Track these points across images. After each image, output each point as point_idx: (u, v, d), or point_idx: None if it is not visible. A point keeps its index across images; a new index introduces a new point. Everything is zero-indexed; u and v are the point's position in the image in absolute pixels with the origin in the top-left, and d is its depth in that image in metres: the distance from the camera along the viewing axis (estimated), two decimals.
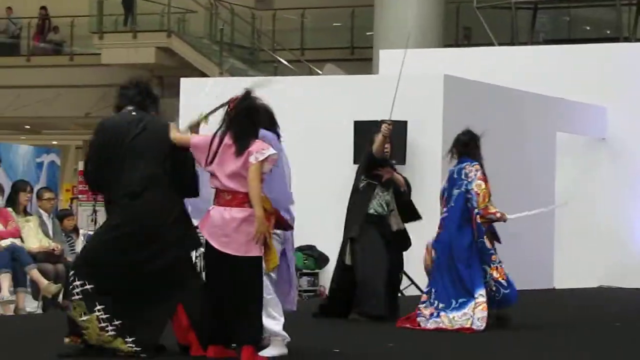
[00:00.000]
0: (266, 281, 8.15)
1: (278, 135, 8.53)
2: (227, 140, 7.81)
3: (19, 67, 30.94)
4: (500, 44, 22.16)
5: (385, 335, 10.13)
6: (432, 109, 15.08)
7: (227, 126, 7.88)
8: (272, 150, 7.81)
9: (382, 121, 11.38)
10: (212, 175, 7.85)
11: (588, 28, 25.08)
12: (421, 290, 14.19)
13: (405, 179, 11.45)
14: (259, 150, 7.74)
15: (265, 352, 7.99)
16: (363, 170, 11.24)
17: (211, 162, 7.82)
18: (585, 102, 17.65)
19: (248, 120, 7.88)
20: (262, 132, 8.08)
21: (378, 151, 11.06)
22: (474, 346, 9.77)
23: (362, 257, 11.09)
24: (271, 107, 8.46)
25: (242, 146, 7.76)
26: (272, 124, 8.46)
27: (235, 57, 27.64)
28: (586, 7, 24.01)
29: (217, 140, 7.84)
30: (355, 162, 14.07)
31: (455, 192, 10.86)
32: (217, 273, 7.88)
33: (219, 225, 7.79)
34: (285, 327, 8.26)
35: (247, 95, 7.97)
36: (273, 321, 8.17)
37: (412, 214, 11.53)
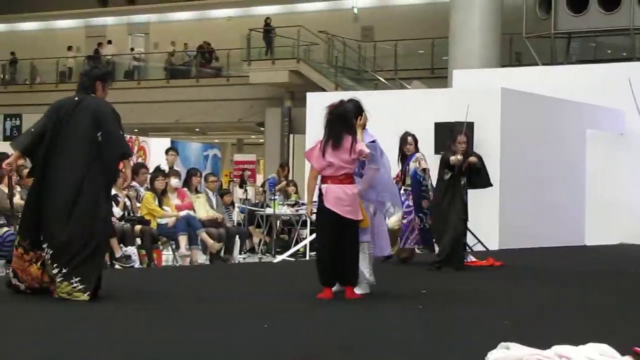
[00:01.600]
0: (369, 241, 8.19)
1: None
2: (330, 138, 7.80)
3: (190, 86, 31.28)
4: (543, 64, 21.82)
5: (466, 279, 10.07)
6: (492, 113, 14.90)
7: (327, 127, 7.85)
8: (367, 150, 7.84)
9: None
10: (327, 164, 7.80)
11: (609, 51, 24.55)
12: (485, 247, 14.09)
13: (478, 155, 11.17)
14: (362, 149, 7.79)
15: (356, 290, 8.00)
16: (444, 166, 11.05)
17: (324, 156, 7.82)
18: (608, 106, 17.31)
19: (341, 121, 7.82)
20: (365, 138, 8.08)
21: (454, 163, 10.92)
22: (521, 290, 9.66)
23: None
24: (362, 104, 8.24)
25: (338, 141, 7.74)
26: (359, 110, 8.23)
27: (346, 76, 27.60)
28: (607, 36, 23.50)
29: (324, 139, 7.83)
30: (435, 152, 13.98)
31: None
32: (334, 233, 7.80)
33: (342, 198, 7.77)
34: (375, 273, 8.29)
35: (341, 103, 7.96)
36: (367, 270, 8.18)
37: (485, 182, 11.32)
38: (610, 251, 15.72)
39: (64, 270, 7.14)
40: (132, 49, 34.87)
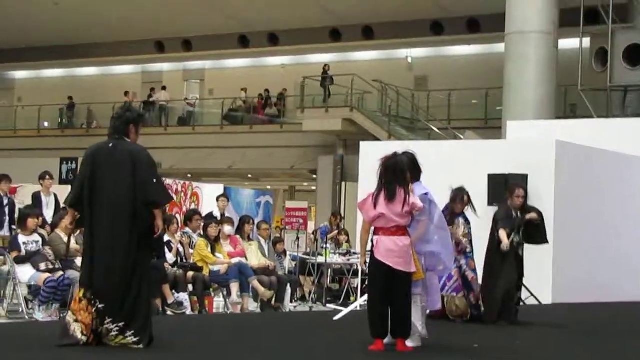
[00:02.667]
0: (421, 294, 8.16)
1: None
2: (383, 189, 7.82)
3: (244, 133, 31.57)
4: (598, 117, 21.70)
5: (518, 334, 9.97)
6: (546, 165, 14.84)
7: (380, 179, 7.88)
8: (420, 204, 7.84)
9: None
10: (378, 215, 7.81)
11: None
12: (538, 300, 13.94)
13: (538, 211, 10.97)
14: (415, 202, 7.80)
15: (407, 343, 7.94)
16: (498, 223, 10.79)
17: (375, 207, 7.85)
18: None
19: (394, 174, 7.82)
20: (417, 190, 8.08)
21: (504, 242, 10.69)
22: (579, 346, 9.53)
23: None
24: (416, 157, 8.22)
25: (392, 193, 7.76)
26: (416, 169, 8.22)
27: (399, 125, 27.66)
28: None
29: (376, 190, 7.85)
30: (489, 204, 13.93)
31: None
32: (386, 285, 7.79)
33: (393, 250, 7.76)
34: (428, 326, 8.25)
35: (394, 155, 7.97)
36: (420, 323, 8.15)
37: (542, 239, 11.16)
38: None
39: (120, 324, 7.21)
40: (186, 99, 35.38)
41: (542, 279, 14.21)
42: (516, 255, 10.80)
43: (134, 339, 7.20)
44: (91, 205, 7.30)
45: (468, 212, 10.89)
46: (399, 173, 7.89)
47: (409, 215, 7.86)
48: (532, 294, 13.82)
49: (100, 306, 7.20)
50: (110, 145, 7.40)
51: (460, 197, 10.77)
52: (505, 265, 10.69)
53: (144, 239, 7.34)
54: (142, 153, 7.36)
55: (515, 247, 10.77)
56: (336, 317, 10.93)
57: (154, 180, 7.33)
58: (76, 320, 7.23)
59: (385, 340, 7.87)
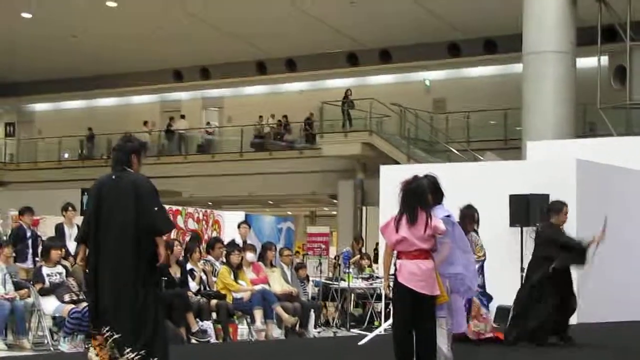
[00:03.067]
0: (446, 317, 8.14)
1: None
2: (404, 213, 7.79)
3: (264, 159, 31.64)
4: (618, 135, 21.66)
5: (540, 357, 9.93)
6: (567, 184, 14.79)
7: (401, 203, 7.84)
8: (443, 227, 7.82)
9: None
10: (400, 239, 7.82)
11: None
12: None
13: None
14: (437, 225, 7.79)
15: None
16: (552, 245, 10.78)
17: (397, 231, 7.85)
18: None
19: (415, 197, 7.76)
20: (438, 213, 8.06)
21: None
22: None
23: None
24: (438, 180, 8.17)
25: (413, 217, 7.72)
26: (437, 192, 8.18)
27: (418, 148, 27.65)
28: None
29: (398, 214, 7.82)
30: (511, 225, 13.91)
31: None
32: (410, 309, 7.79)
33: (416, 273, 7.74)
34: (454, 349, 8.22)
35: (414, 179, 7.93)
36: (445, 346, 8.13)
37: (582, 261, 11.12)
38: None
39: (142, 353, 7.21)
40: (208, 123, 35.55)
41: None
42: (565, 280, 10.68)
43: None
44: (96, 238, 7.30)
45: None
46: (420, 196, 7.90)
47: (431, 238, 7.85)
48: None
49: (117, 336, 7.23)
50: (114, 177, 7.40)
51: (470, 215, 10.72)
52: (549, 296, 10.58)
53: (149, 268, 7.31)
54: (144, 182, 7.35)
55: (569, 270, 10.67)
56: (361, 342, 10.93)
57: (155, 209, 7.29)
58: (97, 355, 7.24)
59: None
